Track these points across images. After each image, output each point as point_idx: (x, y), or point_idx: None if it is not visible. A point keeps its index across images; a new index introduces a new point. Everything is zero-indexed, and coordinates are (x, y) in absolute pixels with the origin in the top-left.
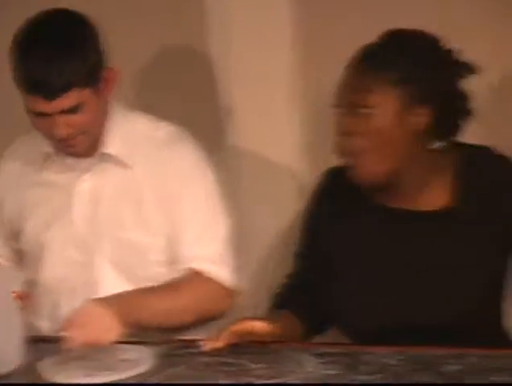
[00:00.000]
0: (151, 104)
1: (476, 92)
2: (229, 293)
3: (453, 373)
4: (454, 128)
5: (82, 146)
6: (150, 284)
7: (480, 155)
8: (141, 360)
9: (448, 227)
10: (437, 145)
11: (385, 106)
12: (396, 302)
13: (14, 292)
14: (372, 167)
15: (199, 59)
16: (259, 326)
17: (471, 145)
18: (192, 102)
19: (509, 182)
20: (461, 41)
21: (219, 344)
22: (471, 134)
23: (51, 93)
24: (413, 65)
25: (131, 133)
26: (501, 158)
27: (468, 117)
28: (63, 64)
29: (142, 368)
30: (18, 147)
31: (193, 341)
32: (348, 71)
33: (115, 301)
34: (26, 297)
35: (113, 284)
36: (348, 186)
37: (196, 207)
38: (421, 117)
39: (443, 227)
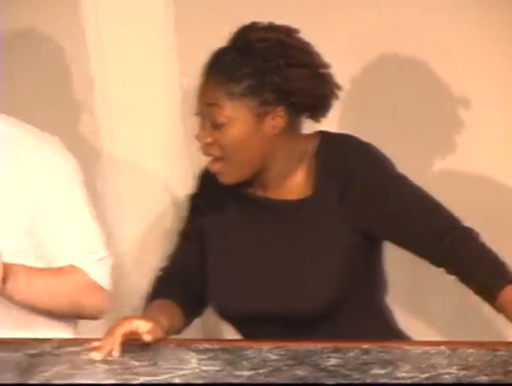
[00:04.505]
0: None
1: None
2: (106, 295)
3: (333, 367)
4: (318, 109)
5: None
6: None
7: (337, 142)
8: None
9: (308, 214)
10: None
11: (237, 120)
12: (260, 290)
13: None
14: (234, 172)
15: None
16: (144, 326)
17: (329, 133)
18: (67, 108)
19: (360, 167)
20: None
21: (116, 354)
22: None
23: None
24: (261, 73)
25: None
26: (356, 143)
27: (331, 96)
28: None
29: None
30: None
31: (75, 340)
32: (201, 81)
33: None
34: None
35: None
36: None
37: (57, 208)
38: (277, 118)
39: (304, 215)
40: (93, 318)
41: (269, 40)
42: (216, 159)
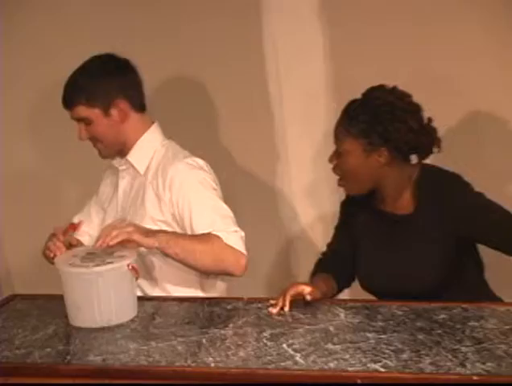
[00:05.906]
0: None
1: None
2: (241, 255)
3: (442, 320)
4: (418, 153)
5: (103, 152)
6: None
7: (432, 172)
8: (127, 256)
9: (412, 226)
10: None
11: (350, 152)
12: (387, 274)
13: (128, 265)
14: (351, 188)
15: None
16: (308, 289)
17: (427, 165)
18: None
19: (453, 191)
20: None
21: (286, 309)
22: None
23: (66, 104)
24: (371, 122)
25: (152, 152)
26: (452, 176)
27: (427, 146)
28: (76, 86)
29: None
30: None
31: (260, 298)
32: (338, 117)
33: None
34: (136, 270)
35: None
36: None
37: (201, 201)
38: (381, 157)
39: (409, 226)
40: (235, 273)
41: (382, 100)
42: (340, 178)
